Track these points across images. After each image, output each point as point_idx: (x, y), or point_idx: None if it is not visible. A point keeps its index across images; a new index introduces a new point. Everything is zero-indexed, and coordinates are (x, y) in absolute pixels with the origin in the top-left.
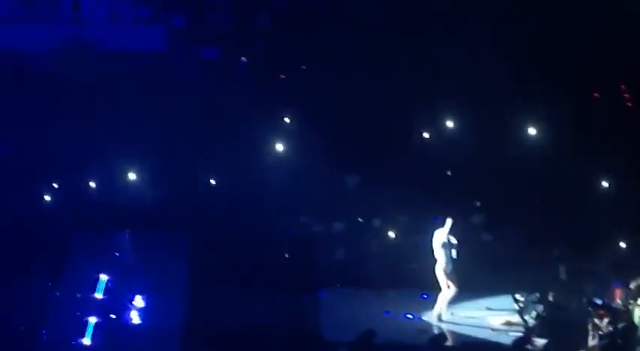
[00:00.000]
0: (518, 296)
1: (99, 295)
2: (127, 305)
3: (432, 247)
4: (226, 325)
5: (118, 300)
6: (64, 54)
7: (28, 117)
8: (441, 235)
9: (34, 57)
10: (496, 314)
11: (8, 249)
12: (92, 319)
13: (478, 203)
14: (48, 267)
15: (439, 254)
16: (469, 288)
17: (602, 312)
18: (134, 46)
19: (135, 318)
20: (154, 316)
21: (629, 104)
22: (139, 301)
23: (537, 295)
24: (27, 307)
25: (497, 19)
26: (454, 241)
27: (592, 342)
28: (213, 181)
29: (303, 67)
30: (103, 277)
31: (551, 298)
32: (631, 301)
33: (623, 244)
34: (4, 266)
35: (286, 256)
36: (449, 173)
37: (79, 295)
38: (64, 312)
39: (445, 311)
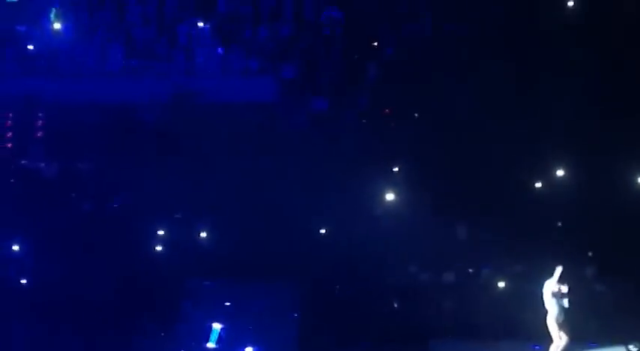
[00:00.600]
0: (631, 347)
1: (211, 345)
2: None
3: (542, 297)
4: None
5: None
6: (174, 104)
7: (140, 168)
8: (551, 285)
9: (146, 109)
10: None
11: (121, 299)
12: None
13: (590, 253)
14: (160, 317)
15: (550, 304)
16: (581, 338)
17: None
18: (244, 96)
19: None
20: None
21: None
22: None
23: None
24: None
25: (607, 70)
26: (565, 289)
27: None
28: (323, 231)
29: (415, 115)
30: (217, 326)
31: None
32: None
33: None
34: (117, 316)
35: (396, 305)
36: (559, 224)
37: (193, 343)
38: None
39: None
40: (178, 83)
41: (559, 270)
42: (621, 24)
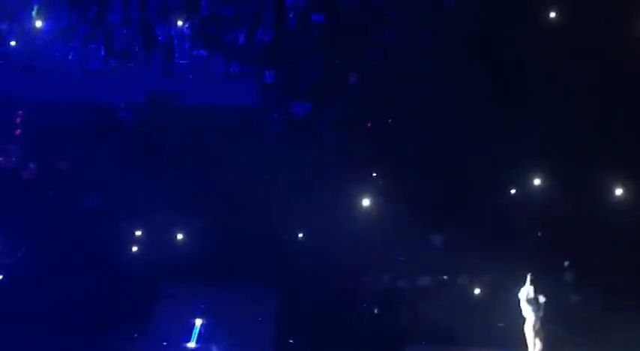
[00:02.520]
0: None
1: (192, 345)
2: None
3: (519, 304)
4: None
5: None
6: (154, 105)
7: (118, 168)
8: (526, 292)
9: (125, 109)
10: None
11: (96, 299)
12: None
13: (566, 263)
14: (135, 317)
15: (527, 312)
16: (556, 347)
17: None
18: (225, 99)
19: None
20: None
21: None
22: None
23: None
24: None
25: (582, 81)
26: (542, 299)
27: None
28: (300, 235)
29: (389, 120)
30: (198, 322)
31: None
32: None
33: None
34: (92, 317)
35: (373, 311)
36: (539, 234)
37: (165, 344)
38: None
39: None
40: (158, 84)
41: (529, 277)
42: (600, 35)
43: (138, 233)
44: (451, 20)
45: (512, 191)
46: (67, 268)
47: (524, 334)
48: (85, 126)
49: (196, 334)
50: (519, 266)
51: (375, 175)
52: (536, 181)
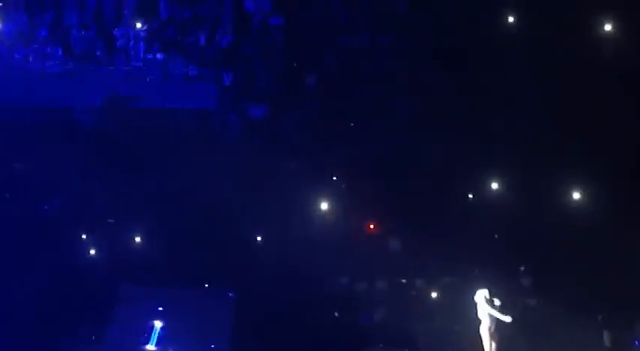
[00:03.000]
0: None
1: (151, 347)
2: None
3: (475, 308)
4: None
5: None
6: (111, 108)
7: (74, 171)
8: (484, 296)
9: (82, 112)
10: None
11: (52, 303)
12: None
13: (522, 267)
14: (93, 321)
15: (483, 315)
16: (511, 349)
17: None
18: (182, 102)
19: None
20: None
21: None
22: None
23: None
24: None
25: (539, 82)
26: (497, 302)
27: None
28: (258, 238)
29: (351, 124)
30: (158, 325)
31: None
32: None
33: None
34: (48, 320)
35: (330, 315)
36: (496, 236)
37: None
38: None
39: None
40: (116, 87)
41: (484, 291)
42: (560, 39)
43: (94, 237)
44: (410, 23)
45: (470, 195)
46: (21, 271)
47: (480, 337)
48: (42, 129)
49: (155, 337)
50: (477, 269)
51: (333, 177)
52: (494, 185)
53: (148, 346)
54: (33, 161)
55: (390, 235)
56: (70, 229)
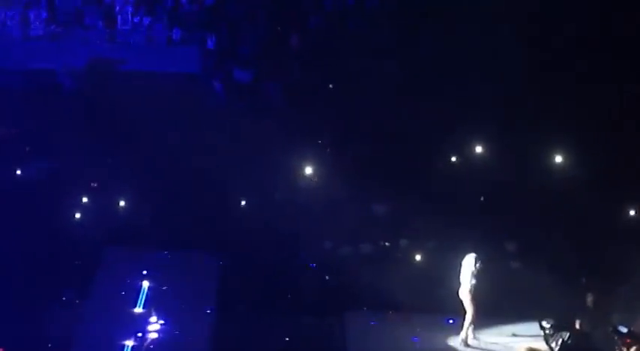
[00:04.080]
0: (544, 323)
1: (139, 310)
2: (156, 323)
3: (458, 271)
4: (252, 347)
5: (147, 318)
6: (95, 71)
7: (59, 134)
8: (470, 260)
9: (65, 74)
10: (522, 340)
11: (36, 266)
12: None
13: (507, 231)
14: (77, 284)
15: (465, 278)
16: (495, 314)
17: (628, 340)
18: (167, 66)
19: (161, 336)
20: (181, 335)
21: None
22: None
23: (563, 322)
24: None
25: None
26: (479, 265)
27: None
28: (243, 203)
29: (330, 86)
30: (145, 285)
31: (577, 326)
32: None
33: None
34: (32, 283)
35: (313, 278)
36: (482, 199)
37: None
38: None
39: (470, 336)
40: (100, 50)
41: (471, 256)
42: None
43: (79, 200)
44: None
45: (453, 158)
46: (4, 235)
47: (461, 301)
48: (25, 92)
49: (143, 298)
50: (461, 234)
51: (318, 141)
52: (478, 148)
53: (136, 309)
54: (18, 125)
55: (374, 198)
56: (54, 192)
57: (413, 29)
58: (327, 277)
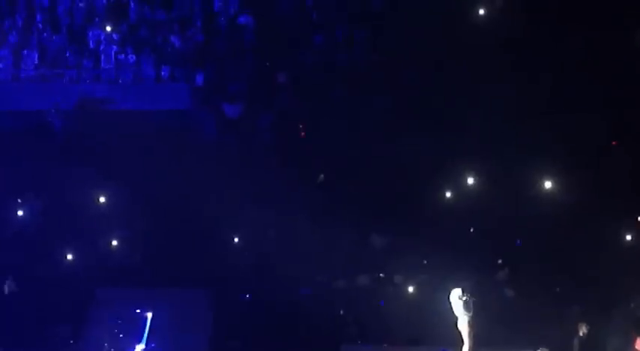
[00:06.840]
0: None
1: (141, 346)
2: None
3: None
4: None
5: None
6: (84, 110)
7: (48, 174)
8: (459, 292)
9: (55, 115)
10: None
11: (30, 307)
12: None
13: (500, 260)
14: (70, 325)
15: (458, 311)
16: (490, 343)
17: None
18: (156, 104)
19: None
20: None
21: None
22: None
23: None
24: None
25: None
26: (467, 297)
27: None
28: (236, 239)
29: (323, 122)
30: (149, 316)
31: None
32: None
33: None
34: (26, 324)
35: (307, 313)
36: (472, 230)
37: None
38: None
39: None
40: (88, 89)
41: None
42: (532, 32)
43: (71, 243)
44: (385, 20)
45: (448, 193)
46: None
47: (458, 331)
48: (15, 133)
49: (147, 332)
50: (453, 265)
51: (312, 175)
52: (470, 180)
53: (139, 346)
54: (8, 165)
55: (368, 231)
56: (46, 233)
57: (403, 62)
58: (320, 310)
